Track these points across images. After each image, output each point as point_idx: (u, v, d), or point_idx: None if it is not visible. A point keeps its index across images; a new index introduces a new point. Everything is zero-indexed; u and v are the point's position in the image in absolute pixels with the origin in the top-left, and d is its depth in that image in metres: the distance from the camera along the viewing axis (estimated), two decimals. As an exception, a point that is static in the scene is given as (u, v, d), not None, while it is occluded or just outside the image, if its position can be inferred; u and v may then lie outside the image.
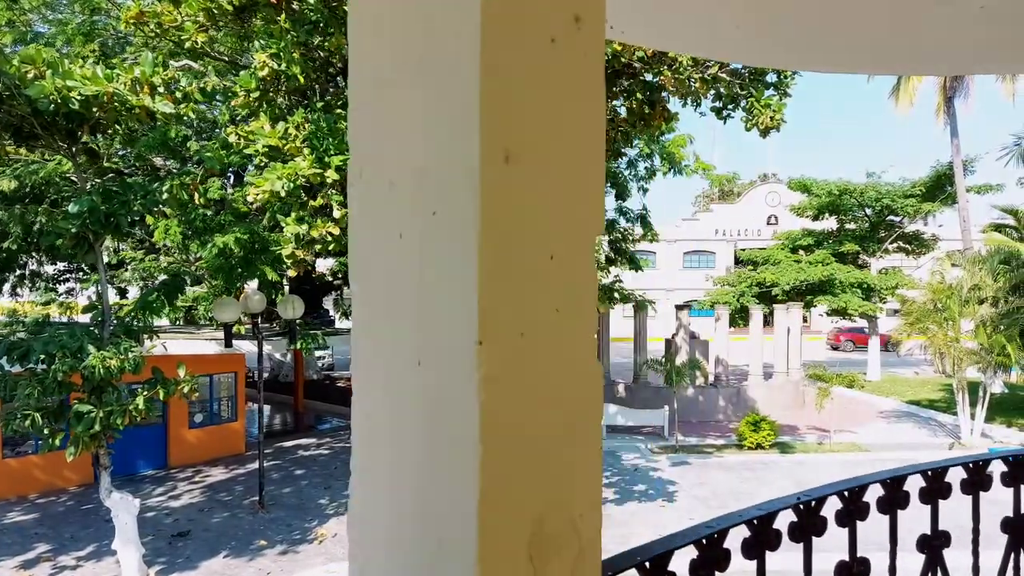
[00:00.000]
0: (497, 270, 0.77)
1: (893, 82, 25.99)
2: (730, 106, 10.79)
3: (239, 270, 10.42)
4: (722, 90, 9.98)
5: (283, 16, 7.88)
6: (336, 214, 7.75)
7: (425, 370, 0.81)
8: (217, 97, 11.68)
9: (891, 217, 27.42)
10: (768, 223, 50.91)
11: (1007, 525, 1.83)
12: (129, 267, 19.05)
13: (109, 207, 8.14)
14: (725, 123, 11.49)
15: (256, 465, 15.10)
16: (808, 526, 1.43)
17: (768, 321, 22.96)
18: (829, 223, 29.02)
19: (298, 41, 7.63)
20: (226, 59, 13.13)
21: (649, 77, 10.79)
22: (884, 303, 26.28)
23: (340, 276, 27.36)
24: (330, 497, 12.76)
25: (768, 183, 55.34)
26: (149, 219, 11.80)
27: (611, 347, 22.04)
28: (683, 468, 15.07)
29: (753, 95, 9.68)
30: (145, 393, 7.87)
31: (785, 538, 1.40)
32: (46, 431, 7.88)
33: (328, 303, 34.20)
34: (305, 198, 7.92)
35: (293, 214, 7.88)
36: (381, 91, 0.87)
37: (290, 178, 7.47)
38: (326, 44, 7.90)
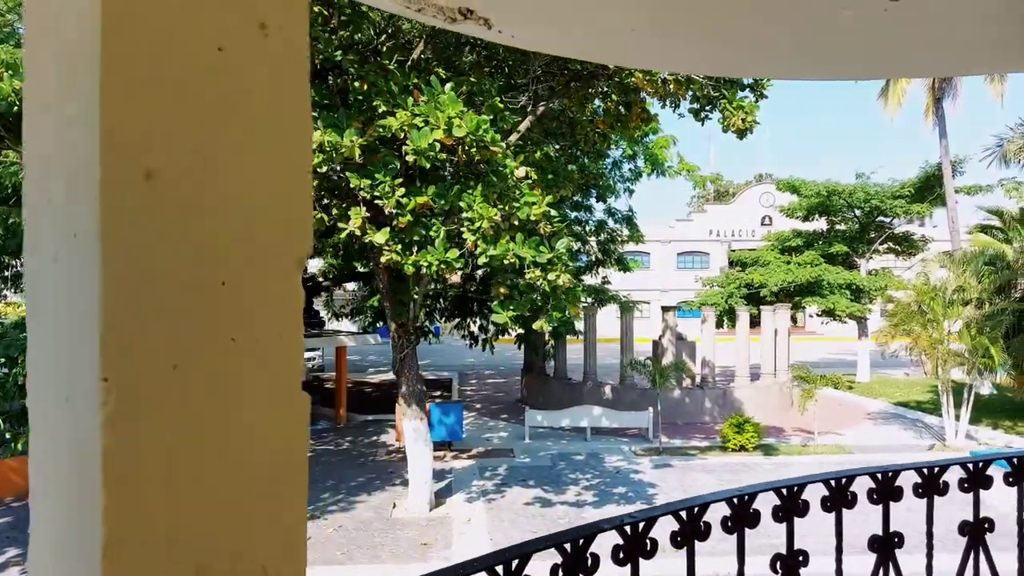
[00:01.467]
0: (135, 296, 0.71)
1: (882, 83, 25.97)
2: (707, 107, 10.74)
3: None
4: (696, 92, 9.92)
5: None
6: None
7: (71, 407, 0.75)
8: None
9: (881, 218, 27.39)
10: (763, 224, 50.88)
11: (873, 543, 1.77)
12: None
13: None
14: (703, 124, 11.43)
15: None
16: (635, 549, 1.37)
17: (757, 322, 22.92)
18: (820, 224, 29.01)
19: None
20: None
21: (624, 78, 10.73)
22: (873, 304, 26.24)
23: (330, 276, 27.29)
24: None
25: (763, 184, 55.36)
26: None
27: (601, 348, 21.99)
28: (665, 470, 15.01)
29: (725, 96, 9.62)
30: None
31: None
32: (8, 435, 7.81)
33: (319, 304, 34.10)
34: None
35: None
36: (40, 105, 0.81)
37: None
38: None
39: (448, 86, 8.19)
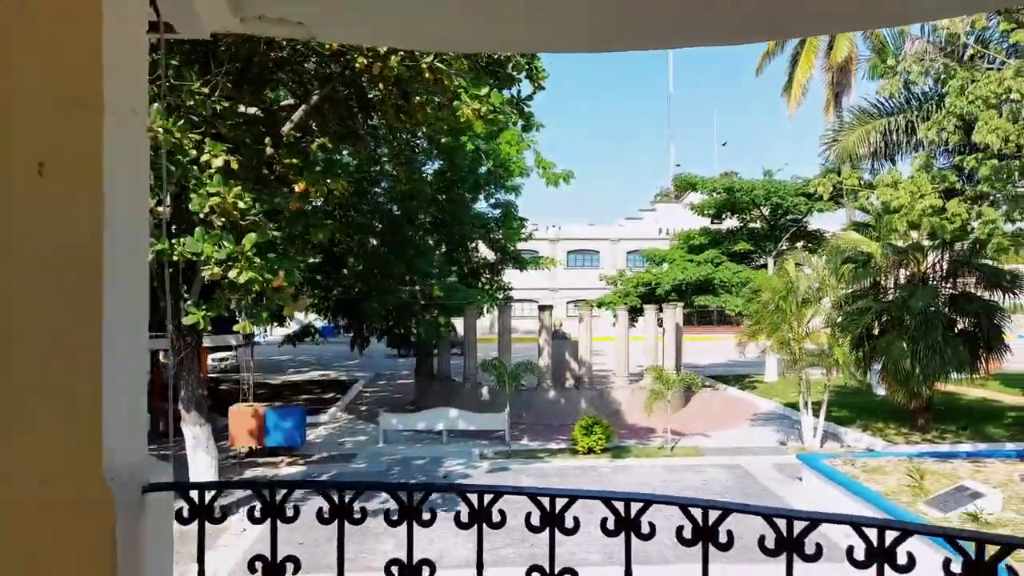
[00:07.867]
0: None
1: (784, 81, 25.60)
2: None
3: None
4: (444, 81, 9.42)
5: None
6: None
7: None
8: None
9: (792, 216, 27.01)
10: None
11: None
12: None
13: None
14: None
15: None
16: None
17: (653, 320, 22.44)
18: (733, 222, 28.65)
19: None
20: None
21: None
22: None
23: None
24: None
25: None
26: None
27: (525, 347, 21.45)
28: (499, 475, 14.51)
29: (465, 88, 9.13)
30: None
31: None
32: None
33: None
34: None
35: None
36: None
37: None
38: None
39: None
